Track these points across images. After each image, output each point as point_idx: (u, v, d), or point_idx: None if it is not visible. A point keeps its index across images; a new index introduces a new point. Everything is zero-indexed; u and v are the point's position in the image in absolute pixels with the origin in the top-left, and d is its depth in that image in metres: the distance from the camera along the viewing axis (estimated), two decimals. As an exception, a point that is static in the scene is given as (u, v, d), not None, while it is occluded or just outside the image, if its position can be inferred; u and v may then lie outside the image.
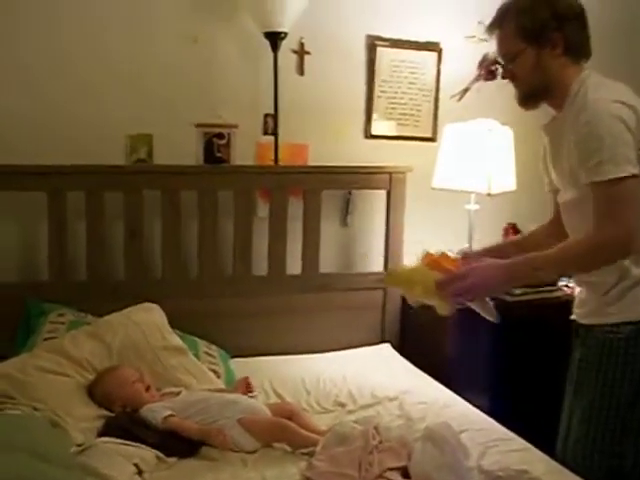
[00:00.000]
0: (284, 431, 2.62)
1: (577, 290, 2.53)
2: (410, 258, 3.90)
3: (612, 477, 2.33)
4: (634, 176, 2.16)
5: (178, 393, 2.87)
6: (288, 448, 2.58)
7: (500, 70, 2.51)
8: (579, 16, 2.36)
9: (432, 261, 2.47)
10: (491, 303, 2.40)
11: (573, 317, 2.52)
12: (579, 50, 2.37)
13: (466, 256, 2.62)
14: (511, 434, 2.74)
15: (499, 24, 2.41)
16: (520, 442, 2.67)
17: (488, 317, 2.38)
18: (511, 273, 2.31)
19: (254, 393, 3.02)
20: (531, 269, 2.29)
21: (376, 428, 2.53)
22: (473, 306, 2.39)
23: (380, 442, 2.45)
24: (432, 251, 2.50)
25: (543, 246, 2.34)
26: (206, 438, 2.60)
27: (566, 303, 2.68)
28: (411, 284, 2.49)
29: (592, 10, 2.42)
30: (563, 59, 2.35)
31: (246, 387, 3.02)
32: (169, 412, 2.66)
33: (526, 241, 2.79)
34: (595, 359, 2.36)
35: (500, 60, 2.46)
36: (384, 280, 2.61)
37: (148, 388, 2.84)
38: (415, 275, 2.50)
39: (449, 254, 2.53)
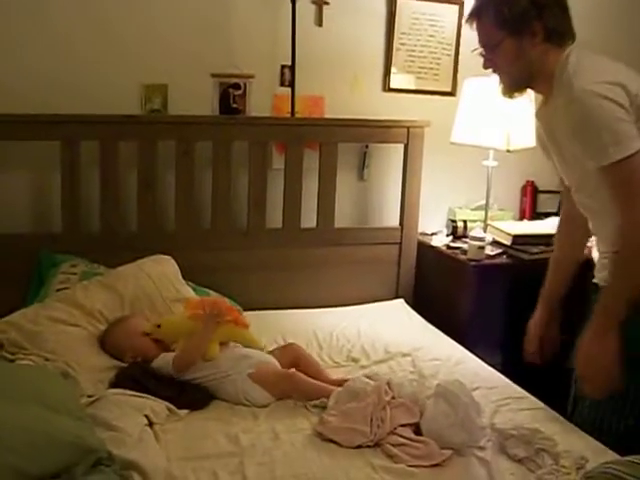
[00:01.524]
0: (293, 383, 2.63)
1: (596, 255, 2.49)
2: (426, 213, 3.90)
3: (626, 437, 2.31)
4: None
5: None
6: (300, 402, 2.58)
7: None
8: (559, 1, 2.30)
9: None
10: None
11: (595, 281, 2.48)
12: (561, 35, 2.31)
13: None
14: (524, 392, 2.74)
15: (478, 14, 2.35)
16: (533, 401, 2.68)
17: None
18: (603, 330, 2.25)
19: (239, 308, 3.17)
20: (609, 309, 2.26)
21: (389, 384, 2.53)
22: None
23: (392, 398, 2.46)
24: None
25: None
26: (205, 329, 2.73)
27: (583, 262, 2.65)
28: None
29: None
30: (545, 46, 2.29)
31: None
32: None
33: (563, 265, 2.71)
34: None
35: (481, 51, 2.39)
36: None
37: (158, 340, 2.82)
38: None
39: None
